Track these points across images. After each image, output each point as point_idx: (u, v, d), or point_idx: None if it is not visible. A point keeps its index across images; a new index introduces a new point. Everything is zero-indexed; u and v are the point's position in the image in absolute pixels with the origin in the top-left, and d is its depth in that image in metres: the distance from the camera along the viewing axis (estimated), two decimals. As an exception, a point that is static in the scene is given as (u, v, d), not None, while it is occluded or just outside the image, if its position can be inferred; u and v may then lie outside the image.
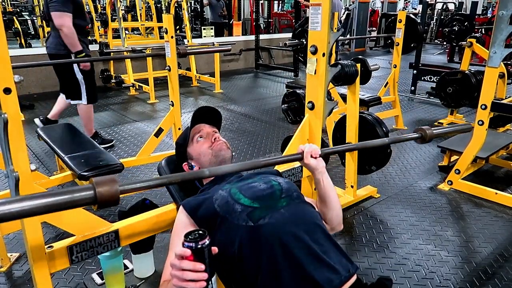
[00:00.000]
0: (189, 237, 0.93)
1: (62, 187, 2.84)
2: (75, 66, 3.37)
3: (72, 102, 3.59)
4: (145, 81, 5.64)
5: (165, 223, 1.46)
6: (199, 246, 0.92)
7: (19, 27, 8.19)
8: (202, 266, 0.92)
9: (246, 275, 1.12)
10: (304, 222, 1.17)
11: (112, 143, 3.79)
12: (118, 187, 0.86)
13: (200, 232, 0.94)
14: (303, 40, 3.99)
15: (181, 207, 1.27)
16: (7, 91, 0.97)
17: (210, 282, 0.94)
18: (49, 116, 3.78)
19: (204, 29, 7.26)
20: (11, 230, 2.08)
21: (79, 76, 3.41)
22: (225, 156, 1.43)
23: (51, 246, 1.20)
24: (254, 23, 9.02)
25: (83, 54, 3.35)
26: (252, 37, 8.20)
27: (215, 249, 0.97)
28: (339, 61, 2.44)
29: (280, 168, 1.80)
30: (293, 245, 1.09)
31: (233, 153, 1.53)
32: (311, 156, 1.30)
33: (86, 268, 1.98)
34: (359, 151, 2.57)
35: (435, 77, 5.03)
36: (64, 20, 3.15)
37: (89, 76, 3.48)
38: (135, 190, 0.93)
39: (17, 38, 8.16)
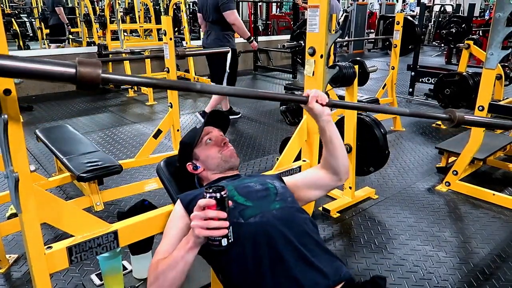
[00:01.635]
0: (211, 189, 1.03)
1: (61, 190, 2.84)
2: (228, 57, 4.06)
3: None
4: (144, 83, 5.63)
5: (164, 224, 1.45)
6: (220, 197, 1.02)
7: (17, 29, 8.19)
8: (225, 214, 1.03)
9: (234, 271, 1.14)
10: (295, 225, 1.18)
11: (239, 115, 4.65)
12: (101, 72, 0.85)
13: (219, 186, 1.05)
14: (301, 42, 4.01)
15: (178, 201, 1.29)
16: (7, 92, 0.98)
17: (229, 229, 1.04)
18: (206, 109, 4.43)
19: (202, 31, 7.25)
20: (10, 231, 2.09)
21: (227, 66, 4.11)
22: (235, 163, 1.43)
23: (50, 247, 1.20)
24: (252, 25, 9.02)
25: (252, 39, 4.34)
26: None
27: (230, 203, 1.06)
28: (337, 63, 2.46)
29: (279, 169, 1.81)
30: (281, 247, 1.10)
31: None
32: (317, 102, 1.28)
33: (85, 269, 1.99)
34: (358, 153, 2.57)
35: (433, 79, 5.04)
36: (235, 16, 3.99)
37: (234, 66, 4.25)
38: (117, 82, 0.93)
39: (16, 40, 8.17)
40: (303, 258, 1.10)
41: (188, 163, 1.44)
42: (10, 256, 2.06)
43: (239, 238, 1.11)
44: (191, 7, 11.22)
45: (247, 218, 1.15)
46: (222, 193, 1.03)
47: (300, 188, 1.42)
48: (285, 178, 1.45)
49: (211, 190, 1.03)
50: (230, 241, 1.05)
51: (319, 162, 2.15)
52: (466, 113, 1.45)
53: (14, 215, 2.33)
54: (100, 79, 0.85)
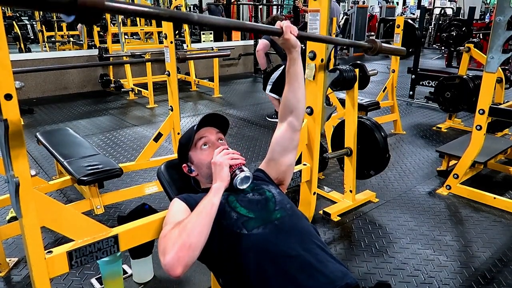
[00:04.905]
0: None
1: (61, 193, 2.84)
2: None
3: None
4: (144, 86, 5.65)
5: (164, 228, 1.46)
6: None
7: (18, 31, 8.19)
8: (239, 153, 1.25)
9: (237, 280, 1.14)
10: (298, 233, 1.19)
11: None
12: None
13: None
14: (302, 45, 4.00)
15: (178, 199, 1.26)
16: (8, 97, 0.98)
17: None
18: None
19: (203, 34, 7.27)
20: (10, 235, 2.08)
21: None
22: None
23: (51, 251, 1.20)
24: (253, 28, 9.03)
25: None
26: (251, 42, 8.23)
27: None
28: (338, 67, 2.46)
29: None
30: (286, 256, 1.11)
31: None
32: (290, 33, 1.32)
33: (85, 273, 1.98)
34: (358, 156, 2.57)
35: (433, 82, 5.04)
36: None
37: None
38: (121, 11, 0.83)
39: (17, 42, 8.17)
40: (308, 265, 1.10)
41: (184, 165, 1.41)
42: (10, 260, 2.06)
43: (242, 249, 1.12)
44: (191, 10, 11.25)
45: (251, 229, 1.15)
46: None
47: (276, 161, 1.46)
48: (262, 166, 1.49)
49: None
50: (249, 172, 1.21)
51: (319, 166, 2.15)
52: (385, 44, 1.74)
53: (14, 219, 2.33)
54: (104, 5, 0.74)
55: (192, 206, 1.20)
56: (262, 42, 4.51)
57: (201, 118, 1.39)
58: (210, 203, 1.12)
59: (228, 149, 1.27)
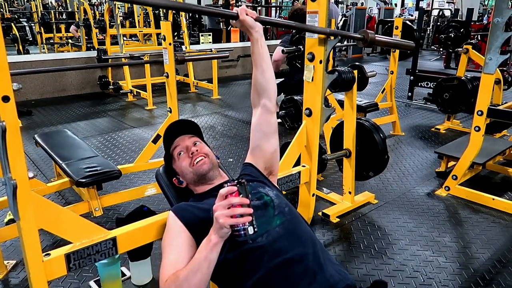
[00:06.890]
0: (230, 181, 1.06)
1: (59, 195, 2.83)
2: None
3: None
4: (143, 88, 5.65)
5: (163, 230, 1.45)
6: (240, 184, 1.03)
7: (17, 33, 8.18)
8: (247, 201, 1.02)
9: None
10: (298, 238, 1.19)
11: None
12: None
13: (238, 179, 1.06)
14: (301, 47, 4.00)
15: (172, 213, 1.26)
16: (5, 99, 0.97)
17: (253, 218, 1.02)
18: None
19: (202, 35, 7.28)
20: (8, 237, 2.07)
21: None
22: (205, 171, 1.35)
23: (49, 254, 1.20)
24: (251, 30, 9.03)
25: None
26: (250, 44, 8.22)
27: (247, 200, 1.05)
28: (336, 68, 2.46)
29: (278, 175, 1.80)
30: (289, 262, 1.11)
31: (219, 159, 1.48)
32: (247, 14, 1.32)
33: (83, 276, 1.97)
34: (357, 158, 2.57)
35: (432, 83, 5.05)
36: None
37: None
38: None
39: (15, 44, 8.16)
40: (310, 270, 1.11)
41: (174, 178, 1.45)
42: (8, 262, 2.05)
43: (247, 259, 1.12)
44: (190, 11, 11.24)
45: (255, 239, 1.14)
46: (242, 181, 1.04)
47: (260, 148, 1.45)
48: (248, 159, 1.46)
49: (231, 181, 1.06)
50: (255, 229, 1.02)
51: (318, 167, 2.15)
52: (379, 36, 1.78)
53: (12, 221, 2.32)
54: None
55: (188, 223, 1.20)
56: (279, 53, 3.92)
57: (165, 131, 1.43)
58: (208, 260, 1.05)
59: (227, 185, 1.06)
